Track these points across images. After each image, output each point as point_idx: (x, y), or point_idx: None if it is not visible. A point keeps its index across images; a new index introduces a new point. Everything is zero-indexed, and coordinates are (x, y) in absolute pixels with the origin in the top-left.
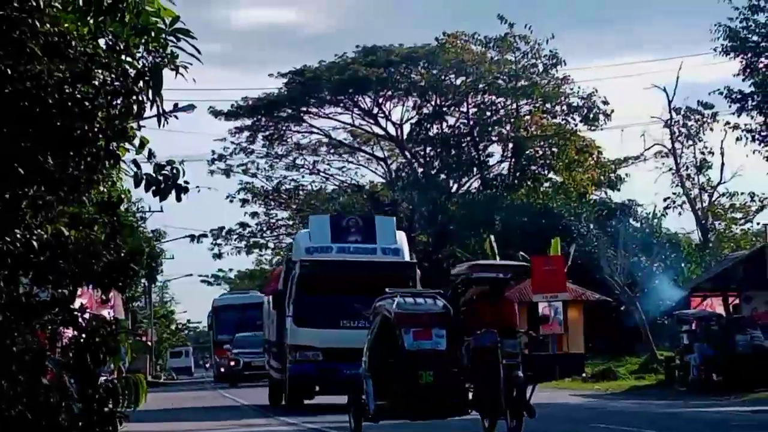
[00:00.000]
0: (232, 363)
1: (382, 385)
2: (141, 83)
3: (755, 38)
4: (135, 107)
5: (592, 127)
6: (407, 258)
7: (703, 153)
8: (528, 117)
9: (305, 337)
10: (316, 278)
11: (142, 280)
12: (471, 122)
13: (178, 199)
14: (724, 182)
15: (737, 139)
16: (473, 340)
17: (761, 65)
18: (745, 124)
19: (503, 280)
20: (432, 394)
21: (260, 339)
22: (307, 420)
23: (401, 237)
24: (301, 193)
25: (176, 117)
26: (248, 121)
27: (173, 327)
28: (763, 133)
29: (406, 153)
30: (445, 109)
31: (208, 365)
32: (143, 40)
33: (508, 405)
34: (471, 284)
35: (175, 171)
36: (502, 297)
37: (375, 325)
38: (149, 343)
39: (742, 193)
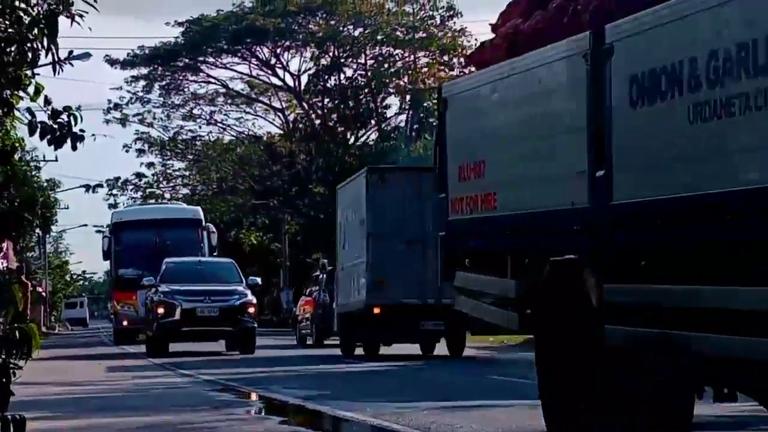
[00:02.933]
0: (161, 311)
1: None
2: (36, 30)
3: None
4: (29, 55)
5: None
6: None
7: None
8: (426, 69)
9: None
10: None
11: (36, 230)
12: (369, 74)
13: (74, 147)
14: None
15: None
16: None
17: None
18: None
19: None
20: None
21: (204, 268)
22: None
23: None
24: (197, 143)
25: (72, 65)
26: (145, 71)
27: (68, 278)
28: None
29: (304, 104)
30: (342, 60)
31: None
32: None
33: None
34: None
35: (71, 119)
36: None
37: None
38: (43, 294)
39: None
